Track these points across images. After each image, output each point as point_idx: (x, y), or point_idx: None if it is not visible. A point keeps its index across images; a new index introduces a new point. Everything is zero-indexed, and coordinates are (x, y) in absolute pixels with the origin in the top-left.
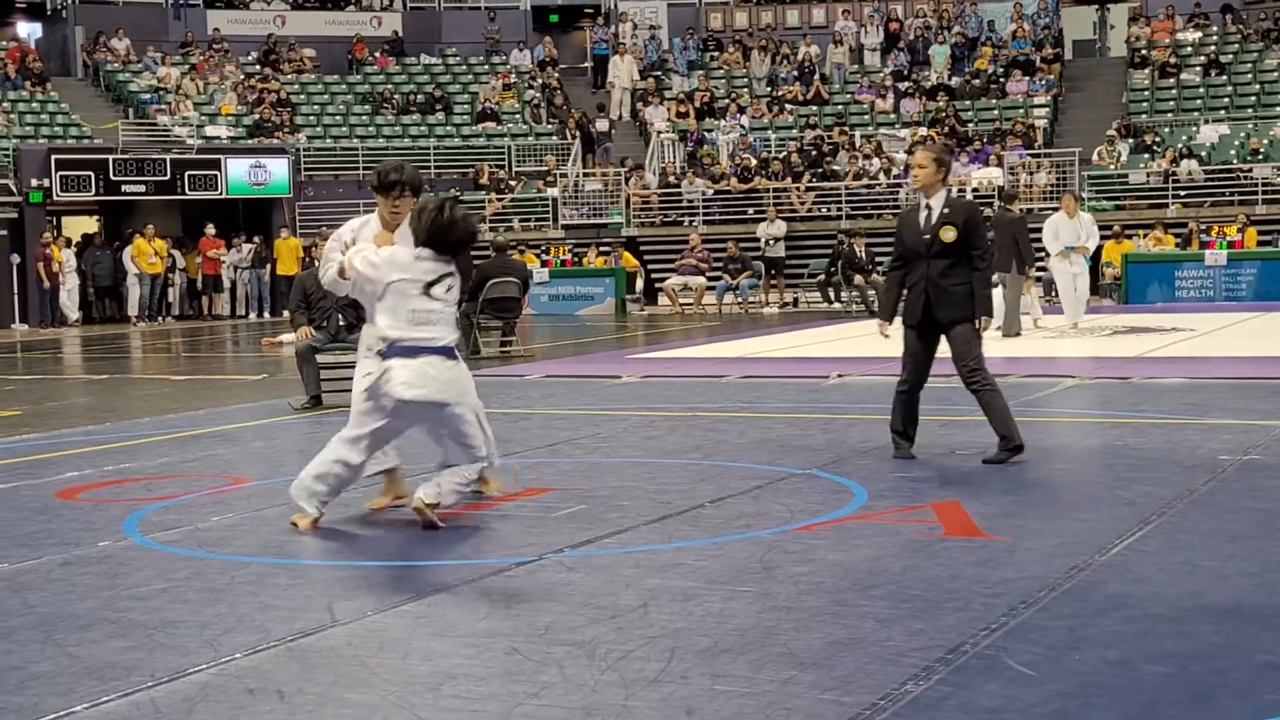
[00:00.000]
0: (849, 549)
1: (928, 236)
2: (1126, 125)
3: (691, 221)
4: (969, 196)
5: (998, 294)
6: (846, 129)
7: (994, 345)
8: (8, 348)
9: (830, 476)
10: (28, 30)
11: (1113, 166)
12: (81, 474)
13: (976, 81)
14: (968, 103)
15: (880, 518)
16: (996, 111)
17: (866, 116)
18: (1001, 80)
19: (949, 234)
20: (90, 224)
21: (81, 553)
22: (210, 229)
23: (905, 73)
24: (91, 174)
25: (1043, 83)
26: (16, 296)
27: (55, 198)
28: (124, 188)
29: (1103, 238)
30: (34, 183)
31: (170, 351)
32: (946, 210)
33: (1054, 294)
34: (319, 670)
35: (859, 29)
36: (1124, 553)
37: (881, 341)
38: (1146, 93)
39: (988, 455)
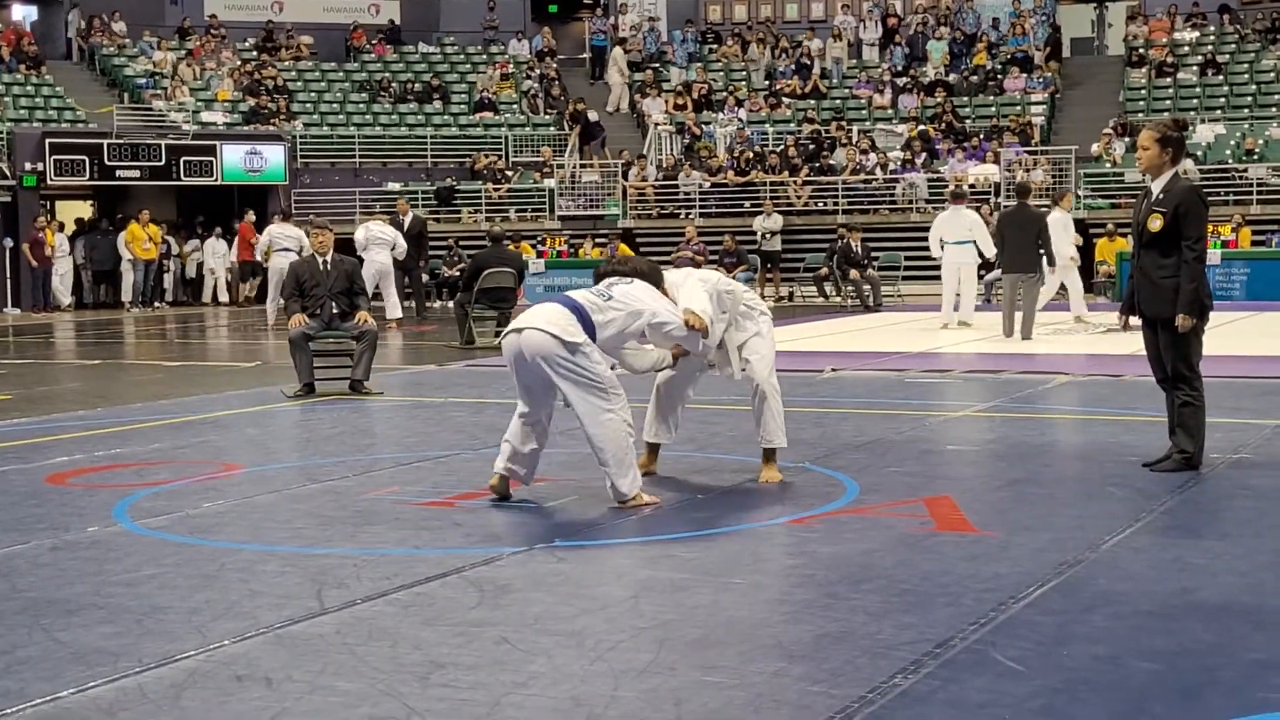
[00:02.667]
0: (841, 542)
1: (1140, 225)
2: (1123, 124)
3: (688, 214)
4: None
5: (1009, 296)
6: (844, 124)
7: (1003, 344)
8: None
9: (823, 470)
10: (23, 13)
11: (1109, 164)
12: (72, 459)
13: (974, 78)
14: (965, 99)
15: (872, 512)
16: (994, 108)
17: (864, 111)
18: (999, 77)
19: (1155, 223)
20: (84, 209)
21: (71, 538)
22: (250, 215)
23: (903, 68)
24: (86, 158)
25: (1040, 80)
26: (9, 280)
27: (49, 182)
28: (118, 173)
29: (1095, 236)
30: (28, 166)
31: (164, 337)
32: (1161, 196)
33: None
34: (307, 658)
35: (858, 24)
36: (1114, 549)
37: (875, 336)
38: (1143, 91)
39: (1154, 461)
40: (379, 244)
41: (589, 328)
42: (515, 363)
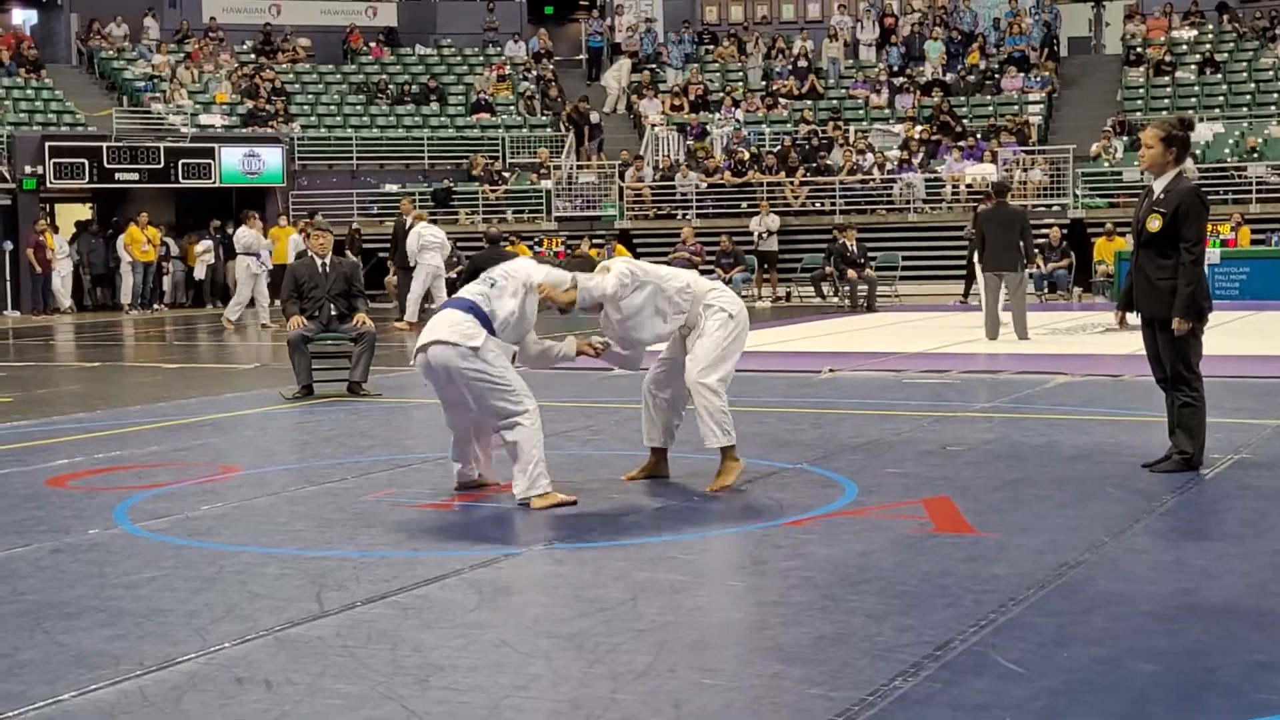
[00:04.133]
0: (839, 544)
1: (1139, 224)
2: (1121, 122)
3: (685, 215)
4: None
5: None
6: (841, 124)
7: (993, 345)
8: None
9: (821, 471)
10: (22, 17)
11: (1107, 164)
12: (72, 461)
13: (971, 77)
14: (962, 99)
15: (871, 513)
16: (991, 108)
17: (861, 111)
18: (996, 76)
19: (1154, 223)
20: (83, 211)
21: (71, 540)
22: (282, 219)
23: (900, 68)
24: (85, 161)
25: (1037, 79)
26: (9, 283)
27: (49, 185)
28: (117, 175)
29: (1094, 235)
30: (27, 170)
31: (163, 340)
32: (1162, 196)
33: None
34: (307, 660)
35: (854, 24)
36: (1114, 550)
37: (873, 336)
38: (1141, 90)
39: (1153, 461)
40: (432, 247)
41: (486, 322)
42: (431, 379)
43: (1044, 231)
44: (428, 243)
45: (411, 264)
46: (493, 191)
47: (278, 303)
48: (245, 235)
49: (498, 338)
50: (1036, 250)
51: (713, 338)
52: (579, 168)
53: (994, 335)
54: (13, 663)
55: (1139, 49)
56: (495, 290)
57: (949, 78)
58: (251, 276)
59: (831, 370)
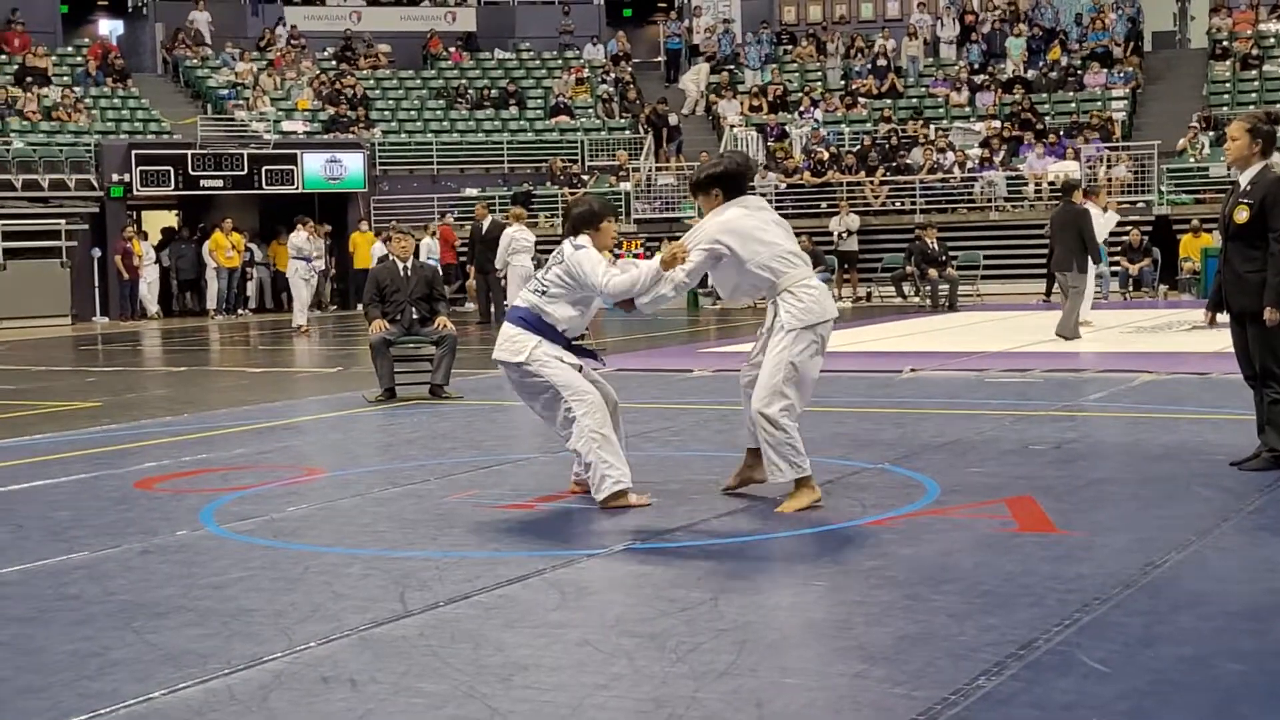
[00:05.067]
0: (921, 543)
1: (1226, 218)
2: (1206, 117)
3: None
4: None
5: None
6: (921, 122)
7: (1063, 344)
8: (89, 340)
9: (903, 471)
10: (109, 27)
11: (1193, 159)
12: (159, 464)
13: (1053, 74)
14: (1044, 96)
15: (953, 513)
16: (1074, 104)
17: (941, 110)
18: (1079, 73)
19: (1241, 215)
20: (169, 218)
21: (159, 541)
22: (449, 217)
23: (980, 65)
24: (171, 169)
25: (1121, 75)
26: (97, 289)
27: (135, 192)
28: (202, 182)
29: (1179, 232)
30: (115, 178)
31: (247, 344)
32: (1248, 188)
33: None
34: (391, 660)
35: (934, 21)
36: (1201, 549)
37: (954, 336)
38: (1228, 84)
39: (1241, 460)
40: (525, 250)
41: (541, 326)
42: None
43: (1124, 231)
44: (521, 246)
45: (500, 266)
46: (572, 194)
47: (303, 311)
48: (297, 239)
49: (565, 337)
50: (1116, 251)
51: (776, 359)
52: (658, 170)
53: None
54: (104, 661)
55: (1225, 42)
56: (547, 299)
57: (1030, 74)
58: (302, 280)
59: (913, 370)
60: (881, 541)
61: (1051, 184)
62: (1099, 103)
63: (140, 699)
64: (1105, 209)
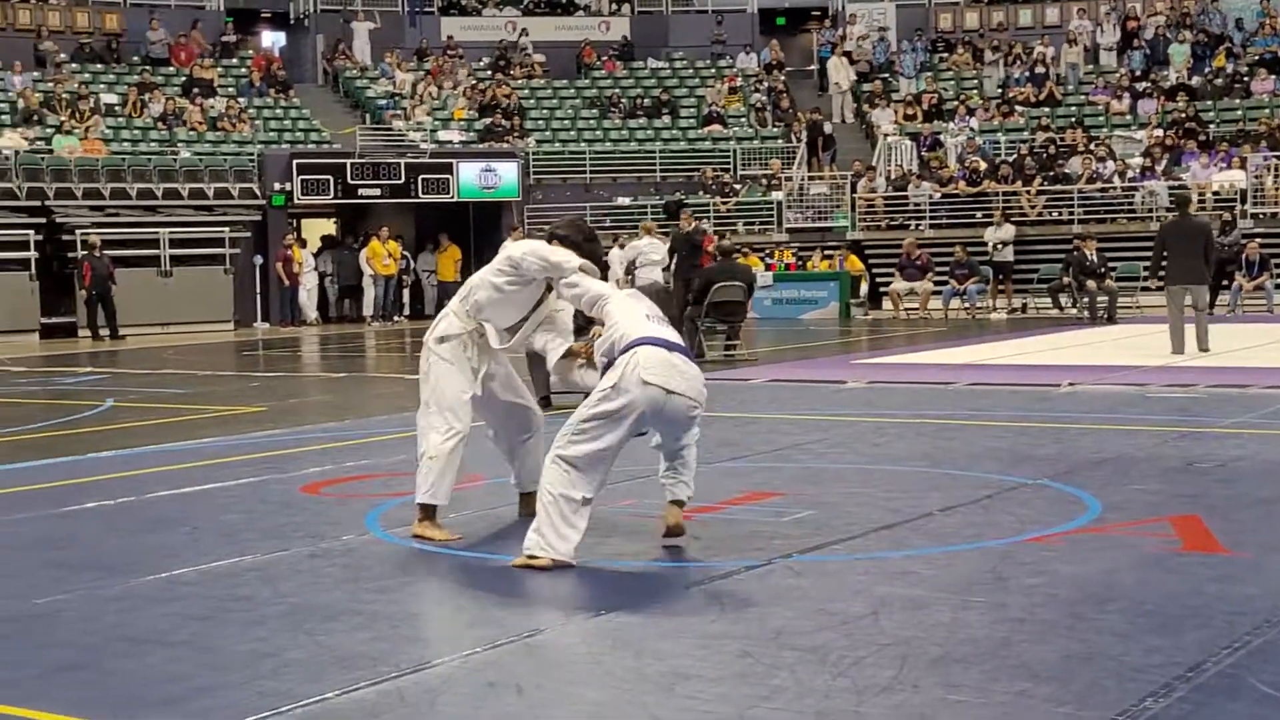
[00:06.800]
0: (1083, 561)
1: None
2: None
3: (917, 225)
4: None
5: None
6: (1080, 131)
7: (1206, 358)
8: (251, 345)
9: (1063, 487)
10: (271, 39)
11: None
12: (323, 469)
13: (1219, 81)
14: (1209, 103)
15: (1115, 530)
16: (1240, 112)
17: (1101, 118)
18: (1245, 79)
19: None
20: (327, 226)
21: (327, 545)
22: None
23: (1142, 72)
24: (330, 178)
25: None
26: (259, 296)
27: (296, 201)
28: (360, 191)
29: None
30: (276, 186)
31: (403, 351)
32: None
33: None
34: (555, 666)
35: (1094, 28)
36: None
37: (1114, 349)
38: None
39: None
40: (653, 262)
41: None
42: (650, 415)
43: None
44: (649, 258)
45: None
46: (724, 203)
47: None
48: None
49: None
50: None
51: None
52: (810, 178)
53: (1180, 349)
54: (279, 662)
55: None
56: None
57: (1194, 81)
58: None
59: (1071, 384)
60: (1042, 558)
61: (1216, 193)
62: (1266, 110)
63: (315, 699)
64: None
